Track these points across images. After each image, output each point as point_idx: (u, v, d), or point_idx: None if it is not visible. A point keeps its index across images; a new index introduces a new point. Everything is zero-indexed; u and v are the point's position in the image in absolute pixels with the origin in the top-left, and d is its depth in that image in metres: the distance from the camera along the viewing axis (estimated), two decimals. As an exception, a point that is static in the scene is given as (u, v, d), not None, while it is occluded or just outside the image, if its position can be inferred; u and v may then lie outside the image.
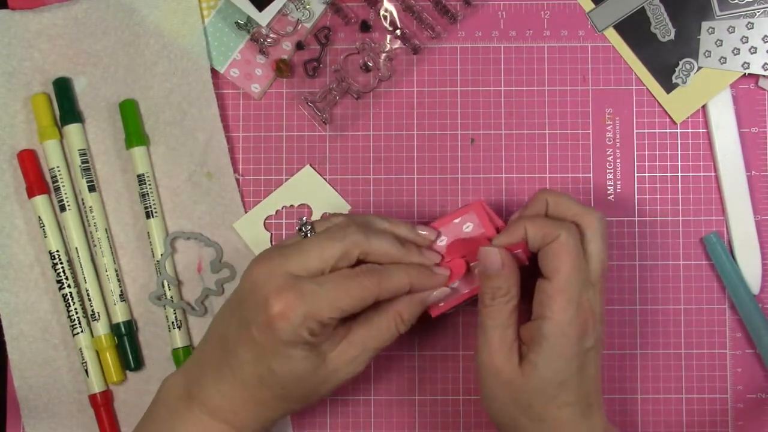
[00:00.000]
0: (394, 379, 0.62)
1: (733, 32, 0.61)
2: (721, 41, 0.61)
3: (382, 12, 0.62)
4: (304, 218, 0.55)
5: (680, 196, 0.61)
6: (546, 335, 0.50)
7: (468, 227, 0.55)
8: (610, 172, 0.62)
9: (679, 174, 0.61)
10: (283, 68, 0.62)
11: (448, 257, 0.55)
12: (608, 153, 0.62)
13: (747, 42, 0.61)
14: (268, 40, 0.62)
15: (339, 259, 0.51)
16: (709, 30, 0.61)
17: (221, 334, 0.53)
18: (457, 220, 0.55)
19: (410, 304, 0.53)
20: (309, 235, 0.52)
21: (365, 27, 0.62)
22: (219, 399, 0.52)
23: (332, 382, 0.53)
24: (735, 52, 0.61)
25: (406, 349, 0.62)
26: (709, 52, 0.61)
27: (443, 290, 0.54)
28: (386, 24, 0.62)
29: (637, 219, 0.61)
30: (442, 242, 0.55)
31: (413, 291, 0.53)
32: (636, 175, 0.61)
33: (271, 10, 0.61)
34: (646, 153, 0.62)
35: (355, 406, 0.62)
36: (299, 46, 0.62)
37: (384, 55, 0.62)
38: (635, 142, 0.62)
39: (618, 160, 0.62)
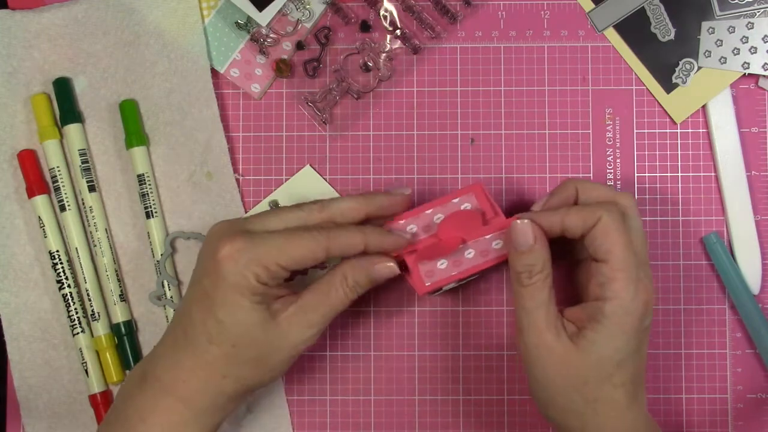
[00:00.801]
0: (394, 379, 0.62)
1: (734, 32, 0.61)
2: (721, 41, 0.61)
3: (382, 12, 0.62)
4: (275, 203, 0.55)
5: (680, 196, 0.61)
6: (608, 314, 0.49)
7: (466, 207, 0.54)
8: (610, 172, 0.62)
9: (679, 174, 0.61)
10: (283, 68, 0.62)
11: (442, 234, 0.53)
12: (608, 153, 0.62)
13: (747, 42, 0.61)
14: (268, 40, 0.62)
15: (298, 222, 0.52)
16: (710, 30, 0.61)
17: (179, 308, 0.53)
18: (455, 200, 0.54)
19: (356, 267, 0.52)
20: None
21: (365, 27, 0.62)
22: (170, 369, 0.51)
23: (284, 350, 0.52)
24: (735, 52, 0.61)
25: (406, 349, 0.62)
26: (709, 52, 0.61)
27: (391, 267, 0.53)
28: (386, 24, 0.62)
29: (637, 219, 0.61)
30: (438, 219, 0.54)
31: (369, 251, 0.52)
32: (636, 175, 0.61)
33: (271, 10, 0.61)
34: (646, 153, 0.62)
35: (355, 406, 0.62)
36: (299, 46, 0.62)
37: (384, 55, 0.62)
38: (635, 142, 0.62)
39: (618, 160, 0.62)
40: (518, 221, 0.51)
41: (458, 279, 0.54)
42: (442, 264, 0.53)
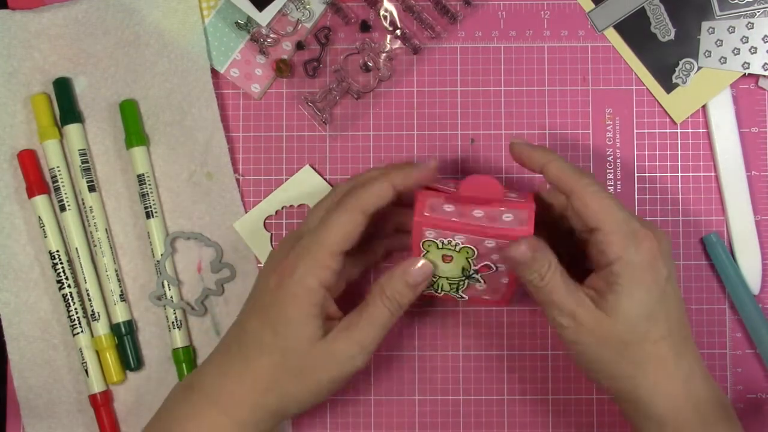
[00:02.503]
0: (394, 379, 0.62)
1: (733, 32, 0.61)
2: (721, 41, 0.61)
3: (382, 12, 0.62)
4: None
5: (680, 196, 0.61)
6: (618, 273, 0.50)
7: (490, 244, 0.52)
8: (610, 172, 0.62)
9: (679, 174, 0.61)
10: (283, 68, 0.62)
11: (463, 191, 0.51)
12: (608, 153, 0.62)
13: (747, 42, 0.61)
14: (268, 40, 0.62)
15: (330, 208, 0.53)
16: (710, 30, 0.61)
17: (234, 325, 0.55)
18: (507, 216, 0.51)
19: (391, 276, 0.52)
20: None
21: (365, 27, 0.62)
22: (216, 379, 0.52)
23: (330, 370, 0.52)
24: (735, 52, 0.61)
25: (406, 349, 0.62)
26: (709, 52, 0.61)
27: (423, 264, 0.53)
28: (386, 24, 0.62)
29: (637, 219, 0.61)
30: (479, 213, 0.52)
31: (398, 187, 0.52)
32: (636, 175, 0.61)
33: (271, 10, 0.61)
34: (646, 153, 0.62)
35: (355, 406, 0.62)
36: (299, 46, 0.62)
37: (384, 55, 0.62)
38: (635, 142, 0.62)
39: (618, 160, 0.62)
40: (514, 244, 0.50)
41: (454, 230, 0.51)
42: (449, 207, 0.52)
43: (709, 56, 0.61)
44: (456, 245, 0.52)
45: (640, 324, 0.50)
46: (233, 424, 0.52)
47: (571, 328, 0.51)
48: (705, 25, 0.61)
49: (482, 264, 0.53)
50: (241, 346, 0.53)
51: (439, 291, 0.56)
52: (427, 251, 0.53)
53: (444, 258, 0.53)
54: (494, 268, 0.53)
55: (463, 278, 0.54)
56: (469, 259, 0.53)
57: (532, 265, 0.50)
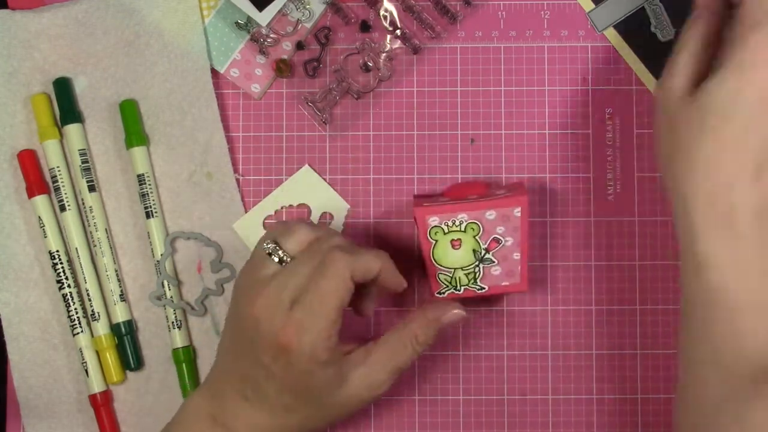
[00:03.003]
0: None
1: None
2: None
3: (382, 12, 0.62)
4: (271, 243, 0.53)
5: (680, 196, 0.61)
6: (728, 58, 0.46)
7: (491, 215, 0.55)
8: (610, 172, 0.62)
9: (679, 174, 0.61)
10: (283, 68, 0.62)
11: (447, 194, 0.57)
12: (608, 153, 0.62)
13: None
14: (268, 40, 0.62)
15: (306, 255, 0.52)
16: None
17: (238, 371, 0.53)
18: (490, 214, 0.54)
19: (426, 326, 0.53)
20: (284, 259, 0.52)
21: (365, 27, 0.62)
22: (249, 427, 0.53)
23: (355, 407, 0.53)
24: None
25: (406, 349, 0.62)
26: None
27: (458, 313, 0.54)
28: (386, 24, 0.62)
29: (637, 219, 0.61)
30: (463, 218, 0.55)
31: (379, 281, 0.52)
32: (636, 175, 0.61)
33: (271, 10, 0.61)
34: (646, 153, 0.62)
35: (355, 406, 0.62)
36: (299, 46, 0.62)
37: (384, 55, 0.62)
38: (635, 142, 0.62)
39: (618, 160, 0.62)
40: None
41: (454, 210, 0.54)
42: (444, 200, 0.55)
43: None
44: (461, 223, 0.54)
45: (707, 115, 0.46)
46: None
47: (656, 91, 0.50)
48: None
49: (490, 239, 0.55)
50: (264, 405, 0.52)
51: (459, 288, 0.56)
52: (436, 241, 0.55)
53: (453, 244, 0.55)
54: (503, 241, 0.55)
55: (477, 263, 0.56)
56: (477, 238, 0.54)
57: None
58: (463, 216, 0.54)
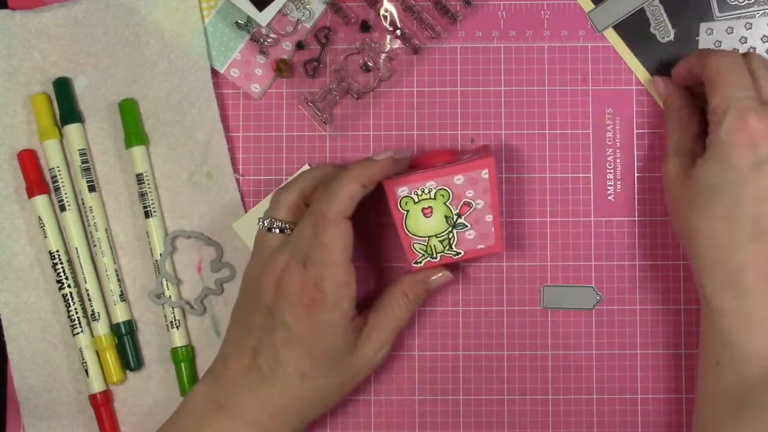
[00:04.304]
0: (394, 379, 0.62)
1: (732, 33, 0.61)
2: (720, 42, 0.61)
3: (382, 12, 0.62)
4: (261, 222, 0.56)
5: (680, 196, 0.61)
6: (708, 144, 0.52)
7: (459, 180, 0.55)
8: (610, 172, 0.62)
9: (679, 174, 0.61)
10: (283, 68, 0.62)
11: (416, 163, 0.58)
12: (608, 153, 0.62)
13: (746, 42, 0.61)
14: (268, 40, 0.62)
15: (300, 198, 0.56)
16: (708, 31, 0.61)
17: (250, 343, 0.54)
18: (457, 179, 0.55)
19: (415, 282, 0.56)
20: (284, 228, 0.55)
21: (365, 27, 0.62)
22: (253, 405, 0.53)
23: (362, 373, 0.56)
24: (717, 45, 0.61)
25: (406, 349, 0.62)
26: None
27: (445, 275, 0.57)
28: (386, 24, 0.62)
29: (637, 219, 0.61)
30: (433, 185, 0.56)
31: (366, 185, 0.53)
32: (636, 175, 0.62)
33: (271, 10, 0.61)
34: (646, 153, 0.62)
35: (355, 406, 0.62)
36: (299, 46, 0.62)
37: (384, 55, 0.62)
38: (635, 142, 0.62)
39: (618, 160, 0.62)
40: (655, 77, 0.60)
41: (422, 179, 0.55)
42: (411, 170, 0.57)
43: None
44: (430, 191, 0.55)
45: (704, 194, 0.52)
46: None
47: (664, 171, 0.57)
48: (703, 26, 0.61)
49: (461, 203, 0.55)
50: (278, 375, 0.53)
51: (435, 255, 0.56)
52: (407, 211, 0.55)
53: (425, 212, 0.55)
54: (473, 204, 0.55)
55: (450, 229, 0.56)
56: (447, 204, 0.55)
57: (668, 84, 0.60)
58: (431, 183, 0.55)
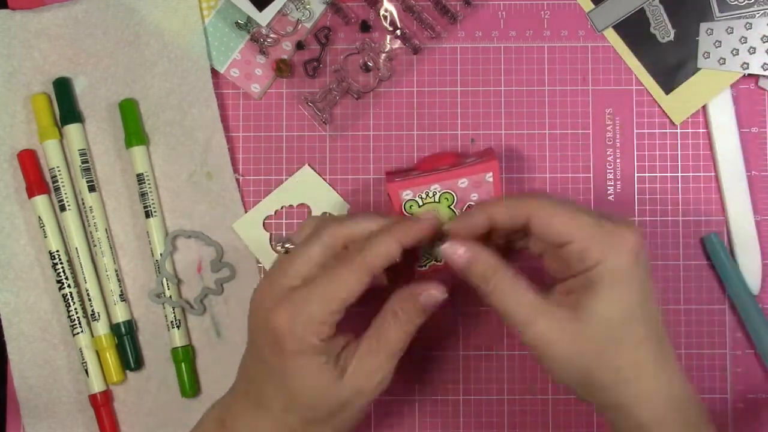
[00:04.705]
0: (394, 379, 0.62)
1: (732, 33, 0.61)
2: (720, 42, 0.61)
3: (382, 12, 0.62)
4: (281, 241, 0.53)
5: (680, 196, 0.61)
6: (599, 278, 0.47)
7: (463, 183, 0.55)
8: (610, 172, 0.62)
9: (679, 174, 0.61)
10: (283, 68, 0.62)
11: (419, 167, 0.57)
12: (608, 153, 0.62)
13: (746, 42, 0.61)
14: (268, 40, 0.62)
15: (322, 254, 0.50)
16: (708, 31, 0.61)
17: (245, 372, 0.53)
18: (461, 183, 0.55)
19: (404, 300, 0.50)
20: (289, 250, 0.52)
21: (365, 27, 0.62)
22: (251, 430, 0.52)
23: (359, 401, 0.51)
24: (734, 52, 0.61)
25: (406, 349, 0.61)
26: (708, 53, 0.61)
27: (435, 294, 0.50)
28: (386, 24, 0.62)
29: (637, 219, 0.61)
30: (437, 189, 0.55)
31: (405, 245, 0.50)
32: (636, 175, 0.62)
33: (271, 10, 0.61)
34: (646, 153, 0.62)
35: (355, 406, 0.62)
36: (299, 46, 0.62)
37: (384, 55, 0.62)
38: (635, 142, 0.62)
39: (618, 160, 0.62)
40: (447, 247, 0.50)
41: (427, 182, 0.54)
42: (416, 173, 0.56)
43: (708, 57, 0.61)
44: (434, 194, 0.54)
45: (620, 327, 0.48)
46: None
47: (542, 343, 0.48)
48: (703, 26, 0.61)
49: (465, 207, 0.55)
50: (263, 406, 0.51)
51: (440, 259, 0.56)
52: (412, 215, 0.55)
53: None
54: None
55: None
56: (452, 207, 0.55)
57: (474, 267, 0.49)
58: (436, 187, 0.55)
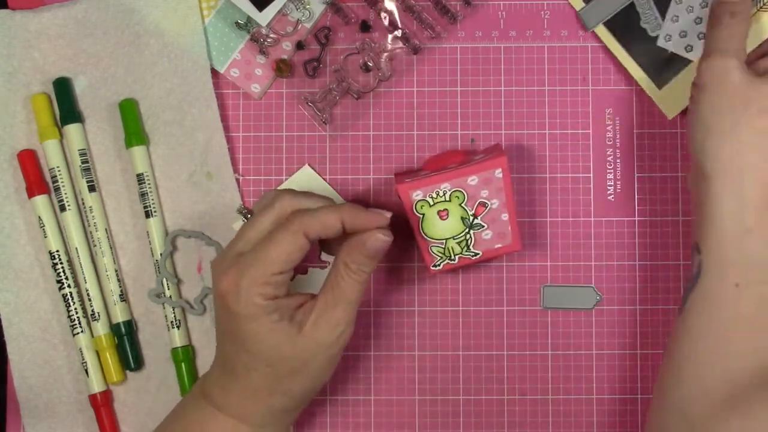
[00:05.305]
0: (394, 379, 0.62)
1: (692, 12, 0.60)
2: (677, 17, 0.60)
3: (382, 12, 0.62)
4: (243, 212, 0.58)
5: (680, 196, 0.61)
6: None
7: (473, 180, 0.55)
8: (610, 172, 0.62)
9: (679, 174, 0.61)
10: (283, 68, 0.62)
11: (426, 168, 0.58)
12: (608, 153, 0.62)
13: (700, 23, 0.60)
14: (268, 40, 0.62)
15: (274, 223, 0.52)
16: (674, 18, 0.60)
17: (216, 340, 0.55)
18: (472, 180, 0.55)
19: (351, 249, 0.52)
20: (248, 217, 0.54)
21: (365, 27, 0.62)
22: (222, 394, 0.53)
23: (320, 355, 0.52)
24: (682, 34, 0.60)
25: (406, 349, 0.62)
26: (670, 36, 0.60)
27: (380, 238, 0.52)
28: (386, 24, 0.62)
29: (637, 219, 0.61)
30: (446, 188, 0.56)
31: (347, 225, 0.51)
32: (636, 175, 0.61)
33: (271, 10, 0.61)
34: (646, 153, 0.62)
35: (355, 406, 0.62)
36: (299, 46, 0.62)
37: (384, 55, 0.62)
38: (635, 142, 0.62)
39: (618, 160, 0.62)
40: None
41: (437, 182, 0.55)
42: (424, 173, 0.56)
43: (669, 40, 0.60)
44: (445, 193, 0.55)
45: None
46: (251, 427, 0.54)
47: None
48: (671, 11, 0.60)
49: (477, 204, 0.55)
50: (227, 367, 0.53)
51: (453, 257, 0.57)
52: (423, 214, 0.55)
53: (440, 215, 0.55)
54: (489, 204, 0.55)
55: (467, 230, 0.56)
56: (463, 205, 0.55)
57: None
58: (446, 186, 0.55)
